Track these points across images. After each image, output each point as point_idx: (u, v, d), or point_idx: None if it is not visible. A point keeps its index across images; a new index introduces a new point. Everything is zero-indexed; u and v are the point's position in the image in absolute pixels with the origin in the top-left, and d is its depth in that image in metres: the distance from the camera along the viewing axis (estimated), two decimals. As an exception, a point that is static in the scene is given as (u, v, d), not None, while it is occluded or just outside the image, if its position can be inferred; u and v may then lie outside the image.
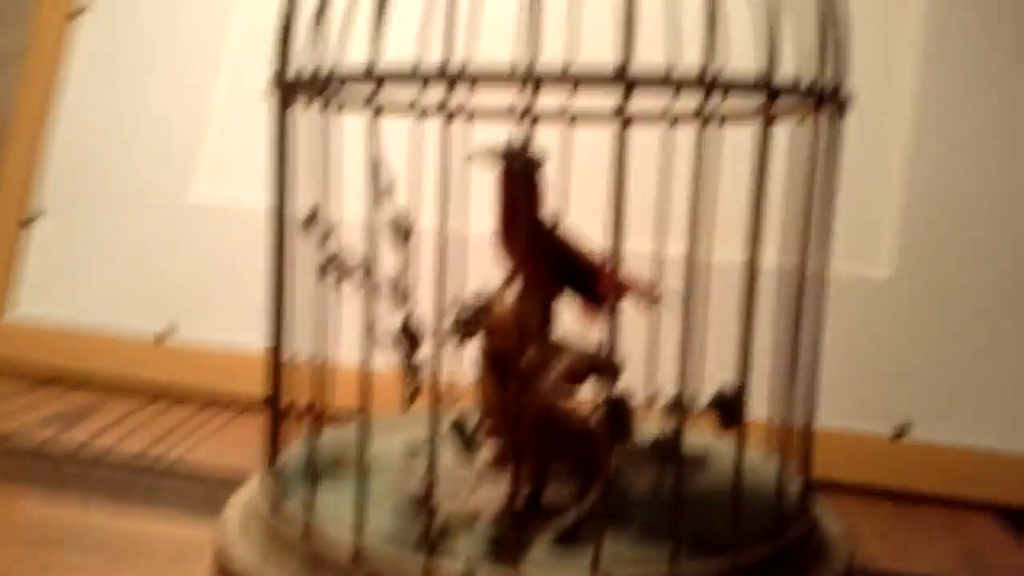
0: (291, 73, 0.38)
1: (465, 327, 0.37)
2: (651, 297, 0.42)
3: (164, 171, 0.82)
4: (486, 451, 0.38)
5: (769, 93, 0.33)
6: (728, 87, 0.32)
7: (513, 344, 0.35)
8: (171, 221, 0.82)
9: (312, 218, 0.39)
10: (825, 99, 0.35)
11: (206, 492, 0.63)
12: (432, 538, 0.33)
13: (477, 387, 0.37)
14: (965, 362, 0.71)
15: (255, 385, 0.77)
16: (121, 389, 0.79)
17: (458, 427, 0.37)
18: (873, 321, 0.72)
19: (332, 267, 0.40)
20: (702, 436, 0.42)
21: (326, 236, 0.39)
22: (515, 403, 0.33)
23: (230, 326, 0.79)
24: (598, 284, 0.41)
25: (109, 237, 0.83)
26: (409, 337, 0.39)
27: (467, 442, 0.37)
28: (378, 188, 0.35)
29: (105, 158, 0.84)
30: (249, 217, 0.80)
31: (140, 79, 0.85)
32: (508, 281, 0.41)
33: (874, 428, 0.71)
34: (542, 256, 0.39)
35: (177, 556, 0.54)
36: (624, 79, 0.31)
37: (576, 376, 0.37)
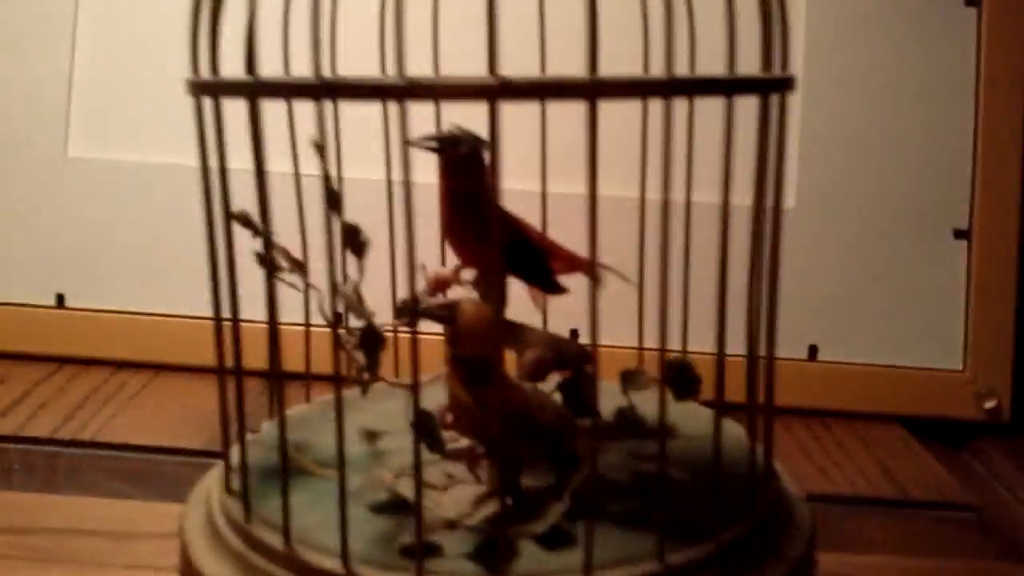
0: (209, 71, 0.36)
1: (426, 317, 0.36)
2: (596, 275, 0.42)
3: (38, 126, 0.77)
4: (455, 448, 0.38)
5: (729, 90, 0.33)
6: (691, 89, 0.32)
7: (486, 349, 0.34)
8: (52, 177, 0.77)
9: (246, 219, 0.38)
10: (774, 87, 0.35)
11: (134, 465, 0.61)
12: (421, 550, 0.33)
13: (445, 387, 0.36)
14: (864, 284, 0.74)
15: (162, 347, 0.75)
16: (19, 359, 0.76)
17: (422, 422, 0.37)
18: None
19: (266, 264, 0.38)
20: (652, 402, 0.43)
21: (258, 231, 0.38)
22: (496, 406, 0.33)
23: (127, 287, 0.76)
24: (550, 264, 0.41)
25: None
26: (370, 341, 0.38)
27: (432, 438, 0.37)
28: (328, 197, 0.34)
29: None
30: (135, 171, 0.76)
31: None
32: (459, 270, 0.41)
33: (787, 352, 0.74)
34: (495, 241, 0.38)
35: (120, 536, 0.52)
36: (593, 88, 0.30)
37: (545, 367, 0.37)
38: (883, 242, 0.74)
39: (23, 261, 0.76)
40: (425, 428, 0.36)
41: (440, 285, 0.42)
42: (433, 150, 0.38)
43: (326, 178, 0.33)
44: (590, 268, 0.42)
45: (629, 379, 0.44)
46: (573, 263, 0.42)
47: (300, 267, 0.40)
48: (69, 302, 0.75)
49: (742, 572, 0.35)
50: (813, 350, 0.74)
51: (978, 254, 0.74)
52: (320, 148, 0.32)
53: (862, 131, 0.75)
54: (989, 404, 0.73)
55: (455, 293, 0.42)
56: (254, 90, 0.33)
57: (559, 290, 0.41)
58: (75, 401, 0.69)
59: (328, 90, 0.30)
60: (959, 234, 0.74)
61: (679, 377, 0.41)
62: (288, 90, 0.33)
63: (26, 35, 0.76)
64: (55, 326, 0.75)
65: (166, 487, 0.59)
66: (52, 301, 0.75)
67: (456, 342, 0.35)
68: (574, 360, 0.38)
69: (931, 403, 0.74)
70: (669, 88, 0.32)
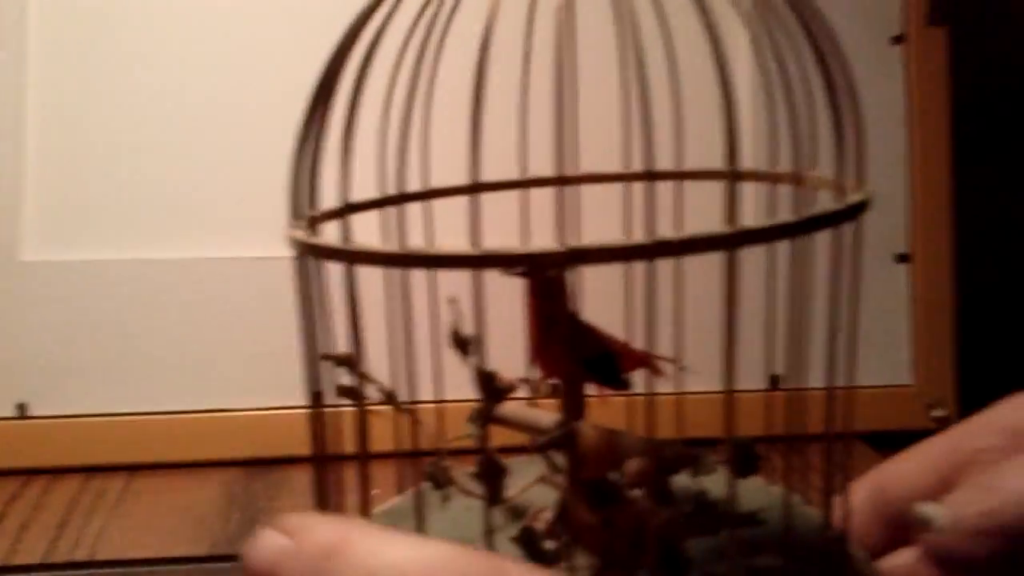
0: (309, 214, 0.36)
1: (546, 448, 0.37)
2: (660, 371, 0.44)
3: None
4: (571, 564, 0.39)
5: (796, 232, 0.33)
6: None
7: (608, 470, 0.35)
8: (3, 284, 0.73)
9: (346, 361, 0.38)
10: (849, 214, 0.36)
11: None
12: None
13: (563, 508, 0.37)
14: (817, 313, 0.79)
15: (135, 448, 0.73)
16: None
17: (526, 538, 0.37)
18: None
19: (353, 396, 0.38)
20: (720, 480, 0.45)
21: (352, 366, 0.38)
22: (623, 525, 0.34)
23: (93, 390, 0.73)
24: (622, 366, 0.42)
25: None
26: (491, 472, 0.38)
27: (538, 553, 0.37)
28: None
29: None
30: (93, 270, 0.74)
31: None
32: (542, 380, 0.42)
33: (751, 383, 0.77)
34: (580, 356, 0.40)
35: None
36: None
37: (651, 476, 0.38)
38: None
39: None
40: (528, 538, 0.37)
41: (508, 391, 0.43)
42: (521, 275, 0.39)
43: (456, 331, 0.34)
44: (653, 364, 0.44)
45: (698, 463, 0.45)
46: (639, 360, 0.43)
47: (392, 399, 0.40)
48: (32, 411, 0.72)
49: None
50: (775, 380, 0.78)
51: (918, 276, 0.79)
52: (453, 301, 0.33)
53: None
54: (938, 413, 0.78)
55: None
56: (351, 258, 0.33)
57: (627, 387, 0.43)
58: (57, 517, 0.66)
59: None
60: (900, 258, 0.79)
61: (741, 457, 0.43)
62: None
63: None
64: (18, 438, 0.72)
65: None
66: (13, 412, 0.72)
67: (579, 467, 0.36)
68: (678, 464, 0.39)
69: (887, 418, 0.78)
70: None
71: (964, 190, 0.80)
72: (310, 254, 0.35)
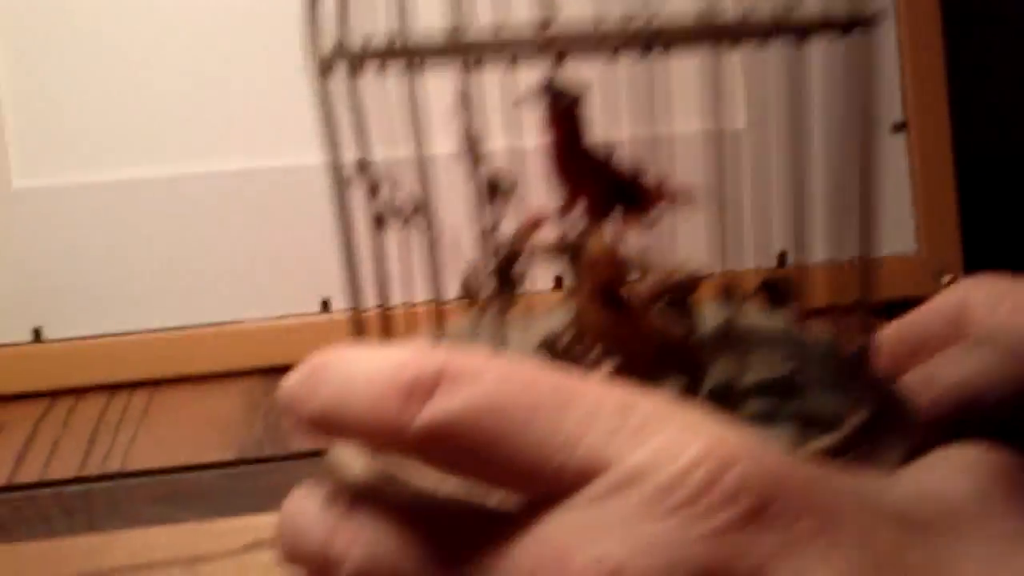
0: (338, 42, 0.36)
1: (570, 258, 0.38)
2: (688, 198, 0.44)
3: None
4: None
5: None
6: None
7: (620, 273, 0.37)
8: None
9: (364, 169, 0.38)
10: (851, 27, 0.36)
11: (172, 487, 0.61)
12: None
13: (581, 318, 0.38)
14: (821, 190, 0.79)
15: (155, 363, 0.74)
16: (3, 401, 0.73)
17: (547, 347, 0.39)
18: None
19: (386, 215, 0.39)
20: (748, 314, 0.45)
21: (375, 188, 0.38)
22: (636, 329, 0.36)
23: (105, 310, 0.74)
24: (644, 195, 0.43)
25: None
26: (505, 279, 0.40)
27: (559, 355, 0.39)
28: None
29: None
30: (88, 193, 0.74)
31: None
32: (567, 207, 0.42)
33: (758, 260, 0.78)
34: (596, 182, 0.41)
35: (190, 561, 0.52)
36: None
37: (662, 292, 0.39)
38: (831, 148, 0.79)
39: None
40: (549, 348, 0.39)
41: (537, 223, 0.44)
42: (535, 102, 0.39)
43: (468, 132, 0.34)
44: (681, 193, 0.45)
45: (729, 294, 0.46)
46: (659, 191, 0.44)
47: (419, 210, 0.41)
48: (47, 335, 0.73)
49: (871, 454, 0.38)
50: (782, 257, 0.78)
51: (916, 144, 0.79)
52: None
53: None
54: (946, 279, 0.79)
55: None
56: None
57: (654, 216, 0.44)
58: (85, 434, 0.68)
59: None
60: (897, 127, 0.79)
61: (775, 290, 0.44)
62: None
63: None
64: (38, 361, 0.73)
65: (212, 503, 0.59)
66: (29, 336, 0.73)
67: (591, 271, 0.37)
68: (687, 284, 0.40)
69: (895, 286, 0.79)
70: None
71: (958, 54, 0.80)
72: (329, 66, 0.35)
